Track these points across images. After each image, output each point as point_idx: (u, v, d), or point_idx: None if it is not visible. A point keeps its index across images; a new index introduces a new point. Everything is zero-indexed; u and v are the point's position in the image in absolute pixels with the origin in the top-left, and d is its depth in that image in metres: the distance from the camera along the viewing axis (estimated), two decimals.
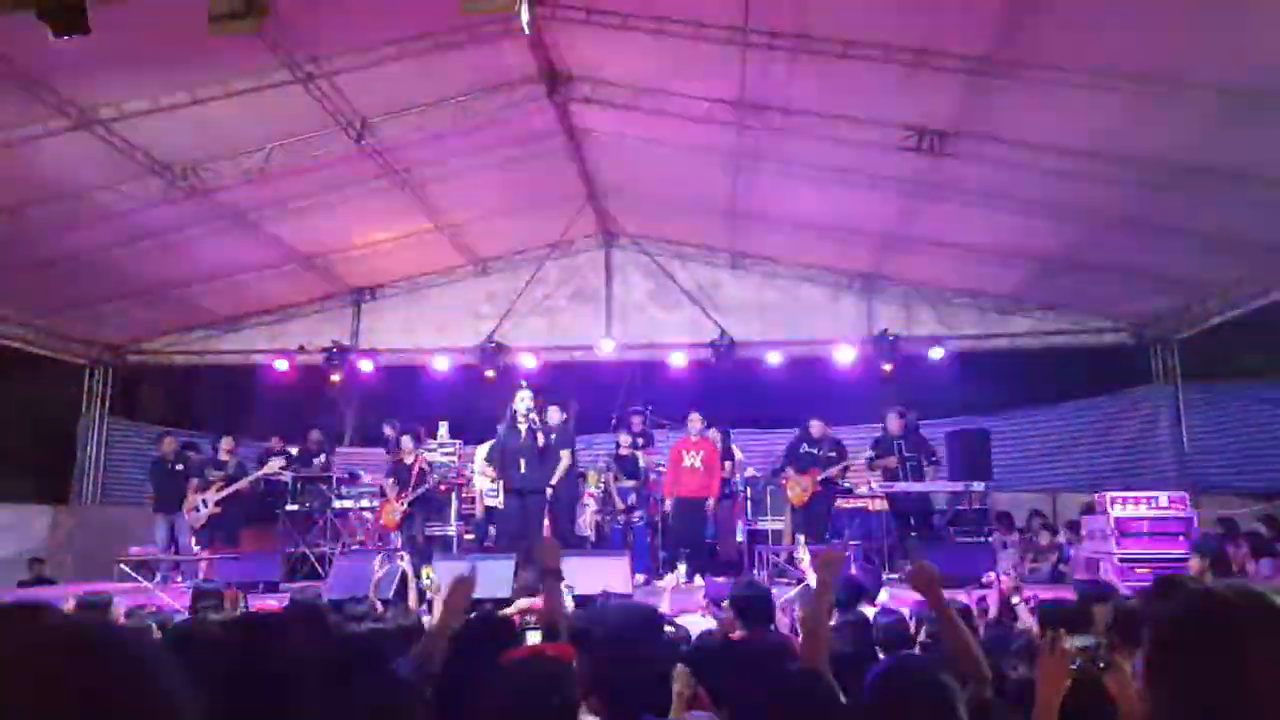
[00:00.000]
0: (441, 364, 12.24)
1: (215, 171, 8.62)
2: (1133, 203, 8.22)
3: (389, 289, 12.70)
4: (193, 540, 9.73)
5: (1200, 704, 1.23)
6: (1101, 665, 2.11)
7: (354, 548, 9.79)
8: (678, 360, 11.77)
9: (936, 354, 11.47)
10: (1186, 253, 9.03)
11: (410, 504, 9.49)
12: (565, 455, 9.11)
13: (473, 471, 10.29)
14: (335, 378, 12.22)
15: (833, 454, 9.47)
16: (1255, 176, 7.32)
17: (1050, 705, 1.96)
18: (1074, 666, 2.05)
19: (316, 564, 9.75)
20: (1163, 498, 8.29)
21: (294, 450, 10.83)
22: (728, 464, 10.03)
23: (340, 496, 10.22)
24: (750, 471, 10.09)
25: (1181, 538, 7.99)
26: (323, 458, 10.91)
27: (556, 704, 2.18)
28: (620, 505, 9.83)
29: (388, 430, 11.04)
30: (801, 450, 9.52)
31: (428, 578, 6.04)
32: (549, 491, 8.94)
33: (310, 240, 10.81)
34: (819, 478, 9.31)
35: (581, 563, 7.37)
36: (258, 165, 8.53)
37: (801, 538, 8.56)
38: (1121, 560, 7.93)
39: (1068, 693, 2.00)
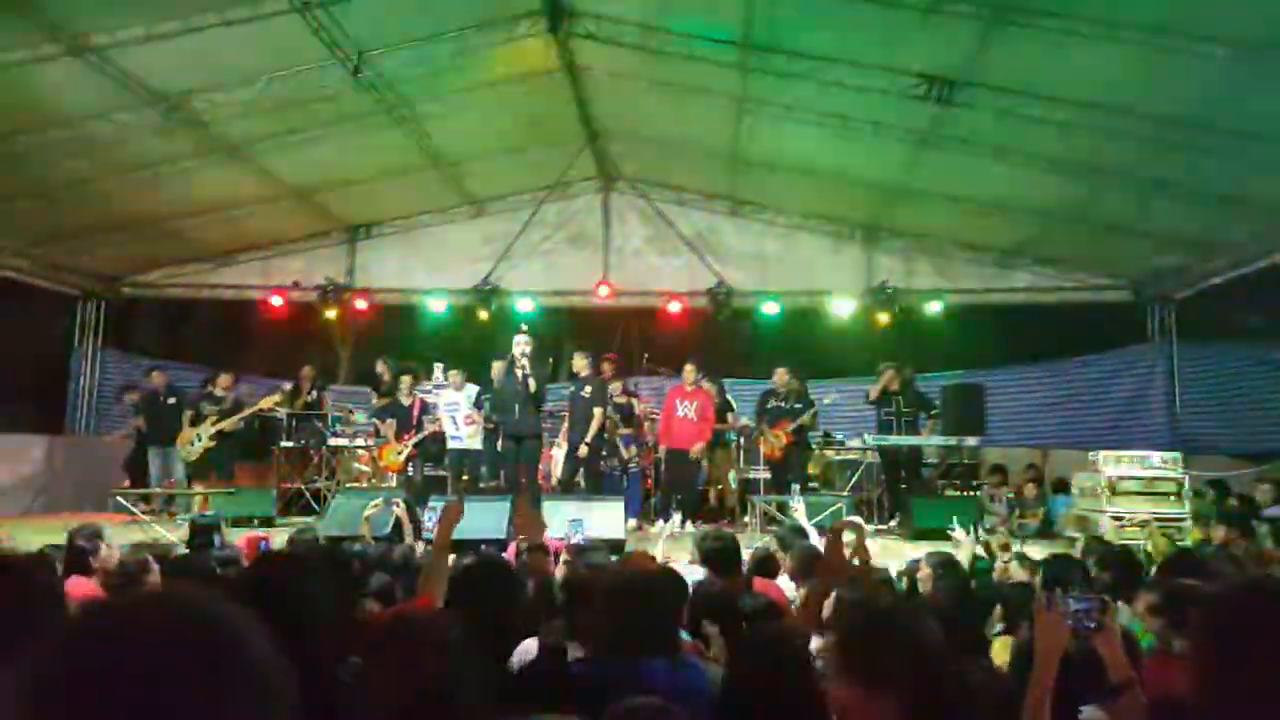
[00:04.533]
0: (437, 304, 12.17)
1: (210, 102, 8.42)
2: (1138, 159, 8.14)
3: (385, 227, 12.55)
4: (183, 473, 9.79)
5: (1246, 689, 1.28)
6: (1094, 625, 2.12)
7: (349, 486, 9.84)
8: (675, 308, 11.73)
9: (935, 307, 11.44)
10: (1189, 211, 8.98)
11: (415, 445, 9.54)
12: (598, 413, 9.13)
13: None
14: (329, 315, 12.15)
15: (799, 405, 9.47)
16: (1262, 134, 7.23)
17: (1050, 664, 1.98)
18: (1071, 626, 2.07)
19: (312, 500, 9.82)
20: (1155, 457, 8.39)
21: (287, 386, 10.82)
22: (730, 416, 10.07)
23: (335, 434, 10.23)
24: (744, 421, 10.13)
25: (1171, 498, 8.11)
26: (315, 394, 10.90)
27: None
28: (625, 454, 9.85)
29: (380, 369, 11.03)
30: (769, 405, 9.54)
31: (430, 520, 6.08)
32: (584, 450, 9.02)
33: (306, 175, 10.63)
34: (790, 429, 9.34)
35: (578, 507, 7.44)
36: (254, 97, 8.33)
37: (796, 487, 8.62)
38: (1113, 518, 8.04)
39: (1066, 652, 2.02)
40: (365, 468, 10.37)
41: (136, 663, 0.76)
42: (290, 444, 10.14)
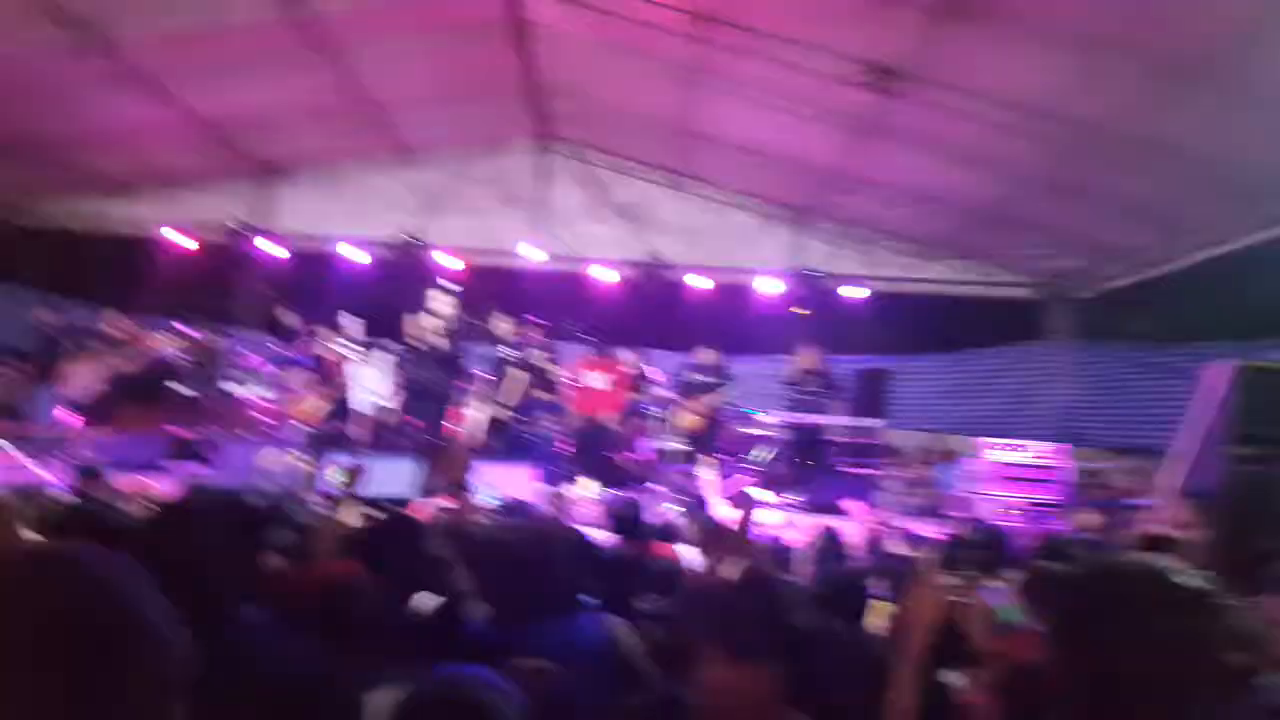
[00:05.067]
0: (355, 254, 11.87)
1: (123, 25, 7.96)
2: (1060, 164, 8.45)
3: (302, 169, 12.12)
4: (68, 414, 9.37)
5: (1102, 671, 1.36)
6: (962, 599, 2.28)
7: (244, 436, 9.56)
8: (605, 276, 11.72)
9: (855, 293, 11.75)
10: (1099, 217, 9.41)
11: (327, 399, 9.35)
12: (519, 376, 9.13)
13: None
14: (237, 257, 11.70)
15: (718, 380, 9.69)
16: (1174, 149, 7.60)
17: (921, 632, 2.10)
18: (944, 600, 2.20)
19: (205, 448, 9.51)
20: (1038, 447, 8.92)
21: (184, 328, 10.38)
22: (649, 386, 10.20)
23: (234, 381, 9.87)
24: (663, 393, 10.28)
25: (1051, 486, 8.65)
26: (214, 338, 10.50)
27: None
28: (544, 419, 9.88)
29: (288, 319, 10.74)
30: (689, 379, 9.73)
31: (337, 476, 6.00)
32: (503, 412, 9.00)
33: (222, 109, 10.13)
34: (707, 404, 9.54)
35: (489, 469, 7.45)
36: (170, 24, 7.92)
37: (709, 459, 8.85)
38: (996, 502, 8.54)
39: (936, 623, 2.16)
40: (265, 418, 10.10)
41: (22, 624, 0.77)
42: (184, 389, 9.70)
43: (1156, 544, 5.79)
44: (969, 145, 8.65)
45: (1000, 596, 3.73)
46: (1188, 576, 1.39)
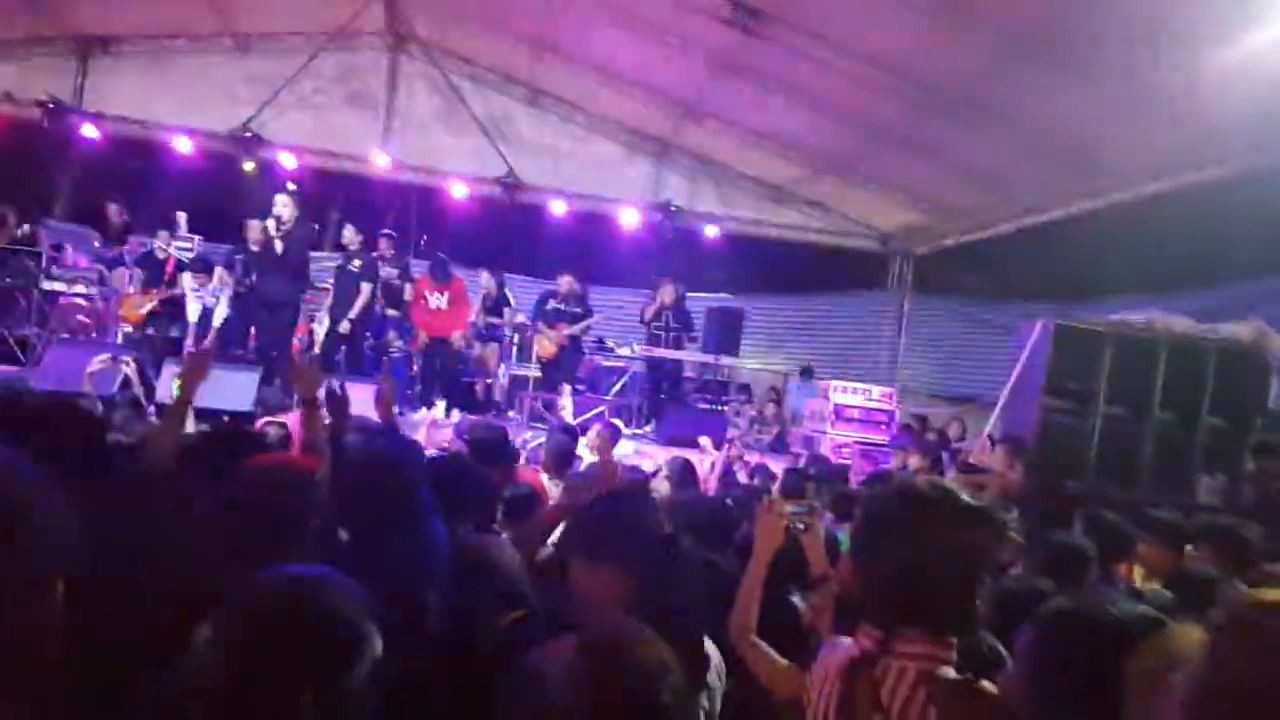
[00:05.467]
0: (184, 145, 10.81)
1: None
2: (908, 121, 8.82)
3: (126, 45, 10.85)
4: None
5: (889, 572, 1.56)
6: (803, 526, 2.42)
7: (65, 337, 8.69)
8: (459, 191, 11.27)
9: (712, 231, 11.92)
10: (941, 176, 9.94)
11: (161, 302, 8.61)
12: (365, 289, 8.75)
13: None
14: (52, 139, 10.42)
15: (578, 310, 9.70)
16: (1012, 116, 8.09)
17: (762, 558, 2.29)
18: (787, 527, 2.36)
19: (17, 348, 8.57)
20: (875, 391, 9.50)
21: None
22: (506, 310, 10.02)
23: (50, 276, 8.92)
24: (520, 318, 10.13)
25: (883, 427, 9.28)
26: (27, 228, 9.40)
27: (293, 510, 2.23)
28: (390, 337, 9.53)
29: (112, 212, 9.74)
30: (549, 306, 9.67)
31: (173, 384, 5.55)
32: (347, 326, 8.61)
33: None
34: (565, 333, 9.54)
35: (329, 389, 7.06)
36: None
37: (566, 387, 8.83)
38: (833, 439, 9.06)
39: (779, 548, 2.33)
40: (86, 319, 9.18)
41: None
42: None
43: (972, 471, 6.38)
44: (823, 94, 8.90)
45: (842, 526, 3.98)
46: (969, 496, 1.60)
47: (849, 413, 9.25)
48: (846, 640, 1.66)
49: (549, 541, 3.12)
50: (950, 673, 1.51)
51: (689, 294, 10.64)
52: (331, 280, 9.21)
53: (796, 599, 2.74)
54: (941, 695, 1.48)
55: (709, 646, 2.11)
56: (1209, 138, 7.04)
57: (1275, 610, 0.83)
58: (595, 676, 1.35)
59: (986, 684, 1.53)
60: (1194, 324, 7.50)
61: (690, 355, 10.18)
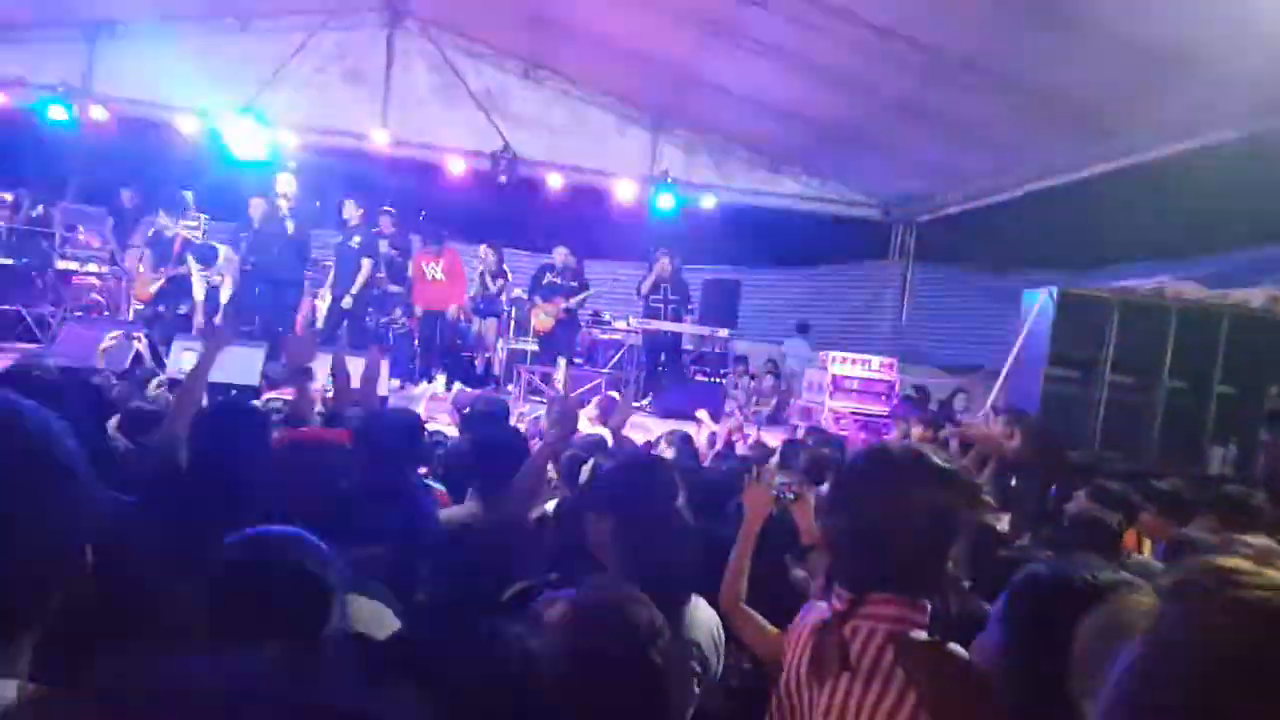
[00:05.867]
0: (190, 125, 10.80)
1: None
2: (909, 88, 8.71)
3: (132, 26, 10.80)
4: None
5: (859, 533, 1.58)
6: (793, 496, 2.43)
7: (79, 315, 8.80)
8: (456, 166, 11.25)
9: (709, 202, 11.85)
10: (944, 143, 9.83)
11: (169, 280, 8.70)
12: (366, 265, 8.82)
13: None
14: (60, 121, 10.41)
15: (574, 284, 9.68)
16: (1014, 80, 7.98)
17: (751, 528, 2.33)
18: (775, 495, 2.42)
19: (34, 326, 8.72)
20: (875, 361, 9.46)
21: (7, 196, 9.36)
22: (500, 281, 10.01)
23: (64, 256, 9.04)
24: (517, 292, 10.12)
25: (883, 398, 9.23)
26: (40, 209, 9.52)
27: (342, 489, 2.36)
28: (392, 312, 9.55)
29: (125, 198, 9.82)
30: (546, 280, 9.66)
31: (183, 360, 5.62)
32: (349, 301, 8.68)
33: None
34: (562, 307, 9.52)
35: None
36: None
37: (562, 361, 8.84)
38: (832, 411, 9.03)
39: (767, 518, 2.38)
40: (99, 297, 9.30)
41: None
42: (9, 261, 8.89)
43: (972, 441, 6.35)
44: (821, 60, 8.79)
45: None
46: (942, 459, 1.61)
47: (848, 384, 9.21)
48: (822, 604, 1.66)
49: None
50: (919, 634, 1.51)
51: (686, 267, 10.60)
52: (333, 256, 9.22)
53: (800, 573, 2.75)
54: (909, 655, 1.48)
55: (706, 610, 2.14)
56: (1217, 100, 6.93)
57: (1227, 576, 0.75)
58: (586, 636, 1.44)
59: (955, 646, 1.53)
60: (1204, 290, 7.40)
61: (687, 328, 10.17)
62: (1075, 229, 9.88)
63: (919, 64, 8.17)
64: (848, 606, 1.55)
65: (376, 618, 1.90)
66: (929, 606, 1.54)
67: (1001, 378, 7.37)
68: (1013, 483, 5.32)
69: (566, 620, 1.49)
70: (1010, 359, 7.24)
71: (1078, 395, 6.83)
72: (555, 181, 11.46)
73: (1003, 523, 3.89)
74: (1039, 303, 6.96)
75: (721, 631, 2.17)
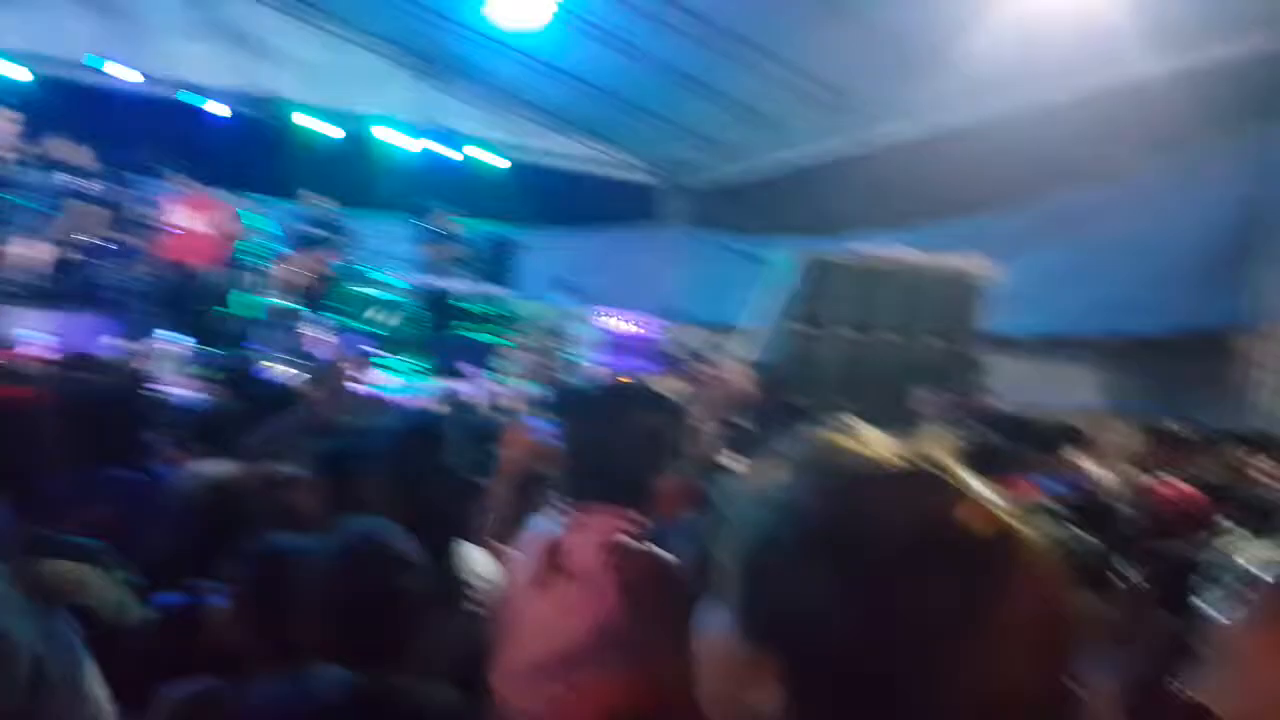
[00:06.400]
0: None
1: None
2: (686, 54, 8.98)
3: None
4: None
5: (582, 451, 1.80)
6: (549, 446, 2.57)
7: None
8: (207, 104, 10.32)
9: (486, 158, 11.64)
10: (712, 111, 10.23)
11: None
12: (89, 210, 8.16)
13: None
14: None
15: (329, 234, 9.29)
16: (778, 55, 8.44)
17: (508, 468, 2.53)
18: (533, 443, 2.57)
19: None
20: (638, 319, 9.88)
21: None
22: (257, 237, 9.37)
23: None
24: (275, 246, 9.50)
25: (647, 354, 9.64)
26: None
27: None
28: (121, 264, 8.68)
29: None
30: (299, 229, 9.20)
31: None
32: (75, 253, 8.05)
33: None
34: (318, 256, 9.09)
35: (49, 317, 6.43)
36: None
37: (327, 319, 8.49)
38: (600, 368, 9.30)
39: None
40: None
41: None
42: None
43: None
44: (608, 24, 8.88)
45: None
46: (660, 390, 1.87)
47: (616, 341, 9.54)
48: (546, 520, 1.83)
49: None
50: (631, 541, 1.68)
51: (462, 221, 10.41)
52: (47, 200, 8.23)
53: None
54: (622, 560, 1.65)
55: (477, 552, 2.28)
56: (953, 86, 7.67)
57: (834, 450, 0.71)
58: (349, 569, 1.66)
59: (661, 550, 1.71)
60: (921, 255, 8.25)
61: (461, 285, 10.02)
62: (833, 199, 10.60)
63: (694, 32, 8.46)
64: (570, 520, 1.73)
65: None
66: (643, 518, 1.73)
67: (752, 332, 7.89)
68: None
69: (332, 556, 1.69)
70: (760, 315, 7.76)
71: (810, 347, 7.44)
72: (319, 125, 10.78)
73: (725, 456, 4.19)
74: (782, 266, 7.51)
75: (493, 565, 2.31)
